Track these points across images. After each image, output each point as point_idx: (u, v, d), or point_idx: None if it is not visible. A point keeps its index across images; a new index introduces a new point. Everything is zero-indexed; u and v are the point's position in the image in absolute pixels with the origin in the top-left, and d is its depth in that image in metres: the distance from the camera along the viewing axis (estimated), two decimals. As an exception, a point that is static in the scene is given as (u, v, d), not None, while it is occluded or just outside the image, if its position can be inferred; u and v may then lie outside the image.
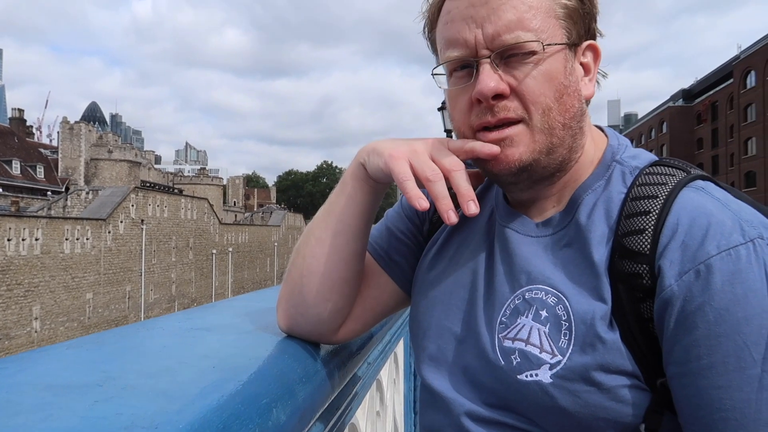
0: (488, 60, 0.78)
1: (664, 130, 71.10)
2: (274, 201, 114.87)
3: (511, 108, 0.78)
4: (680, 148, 67.89)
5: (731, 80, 59.81)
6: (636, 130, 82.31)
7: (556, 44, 0.79)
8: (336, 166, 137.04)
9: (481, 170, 0.87)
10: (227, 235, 55.57)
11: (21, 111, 67.16)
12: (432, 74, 0.87)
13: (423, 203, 0.77)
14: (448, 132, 14.79)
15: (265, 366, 0.76)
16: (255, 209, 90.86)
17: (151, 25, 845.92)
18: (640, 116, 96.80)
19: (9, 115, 71.52)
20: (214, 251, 51.87)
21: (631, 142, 0.95)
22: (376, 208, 0.94)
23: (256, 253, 62.94)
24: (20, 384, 0.63)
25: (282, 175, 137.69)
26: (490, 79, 0.77)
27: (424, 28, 0.90)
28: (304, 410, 0.79)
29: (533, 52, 0.77)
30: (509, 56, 0.78)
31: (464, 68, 0.81)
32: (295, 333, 0.95)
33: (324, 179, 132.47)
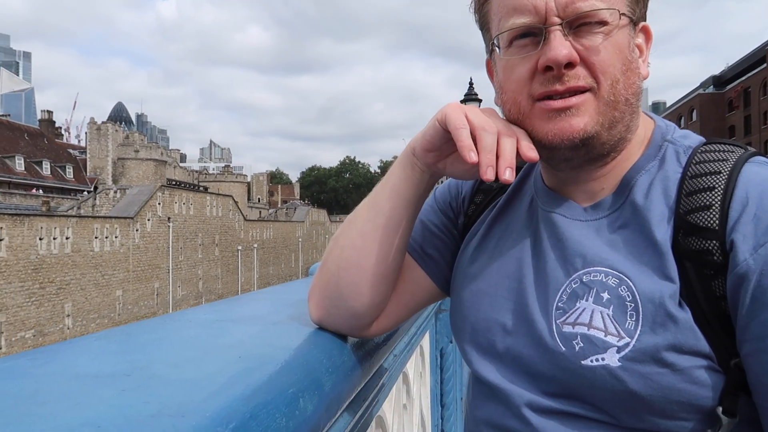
0: (559, 27, 0.76)
1: (694, 118, 69.46)
2: (298, 197, 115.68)
3: (581, 76, 0.76)
4: (711, 135, 65.70)
5: (764, 65, 58.11)
6: (665, 118, 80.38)
7: (626, 16, 0.78)
8: (359, 161, 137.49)
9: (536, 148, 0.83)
10: (252, 231, 56.22)
11: (50, 113, 68.77)
12: (491, 44, 0.85)
13: (473, 156, 0.75)
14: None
15: (292, 356, 0.75)
16: (279, 205, 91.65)
17: (175, 25, 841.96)
18: (668, 104, 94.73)
19: (38, 117, 73.34)
20: (240, 247, 52.54)
21: None
22: (422, 203, 0.92)
23: (281, 249, 63.55)
24: (49, 374, 0.63)
25: (305, 171, 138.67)
26: (562, 46, 0.75)
27: (473, 2, 0.88)
28: (331, 400, 0.78)
29: (604, 23, 0.76)
30: (579, 25, 0.77)
31: (526, 36, 0.79)
32: (327, 325, 0.93)
33: (347, 174, 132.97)
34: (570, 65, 0.76)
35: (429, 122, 0.84)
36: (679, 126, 0.91)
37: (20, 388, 0.57)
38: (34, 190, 49.50)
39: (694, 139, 0.83)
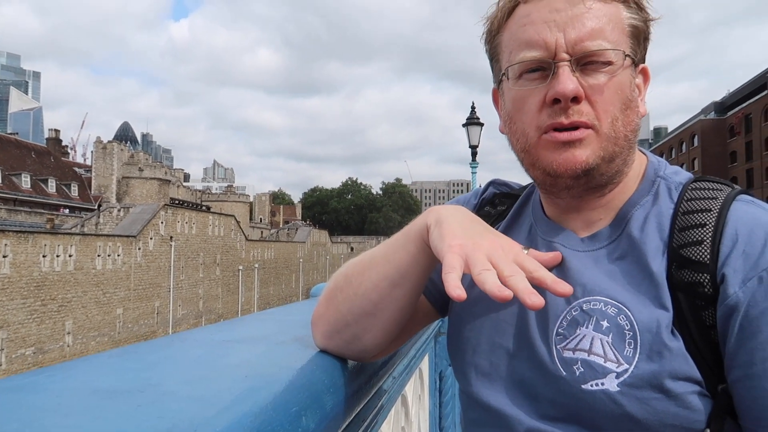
0: (568, 63, 0.80)
1: (695, 144, 69.68)
2: (300, 217, 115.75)
3: (584, 113, 0.81)
4: (712, 161, 66.37)
5: (765, 92, 58.51)
6: (666, 143, 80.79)
7: (630, 57, 0.83)
8: (361, 183, 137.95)
9: (537, 175, 0.87)
10: (253, 251, 56.15)
11: (57, 131, 69.24)
12: (501, 74, 0.88)
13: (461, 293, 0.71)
14: (473, 148, 14.72)
15: (295, 376, 0.79)
16: (281, 226, 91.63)
17: (187, 46, 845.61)
18: (670, 130, 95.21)
19: (46, 135, 73.91)
20: (241, 267, 52.43)
21: (661, 156, 1.00)
22: (437, 264, 0.88)
23: (282, 269, 63.37)
24: (69, 389, 0.66)
25: (307, 192, 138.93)
26: (570, 80, 0.80)
27: (484, 33, 0.92)
28: (331, 420, 0.81)
29: (609, 63, 0.81)
30: (586, 63, 0.81)
31: (536, 71, 0.83)
32: (332, 352, 0.95)
33: (349, 195, 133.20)
34: (576, 100, 0.80)
35: (435, 238, 0.81)
36: (680, 151, 0.96)
37: (44, 402, 0.61)
38: (61, 210, 49.27)
39: (684, 175, 0.88)
